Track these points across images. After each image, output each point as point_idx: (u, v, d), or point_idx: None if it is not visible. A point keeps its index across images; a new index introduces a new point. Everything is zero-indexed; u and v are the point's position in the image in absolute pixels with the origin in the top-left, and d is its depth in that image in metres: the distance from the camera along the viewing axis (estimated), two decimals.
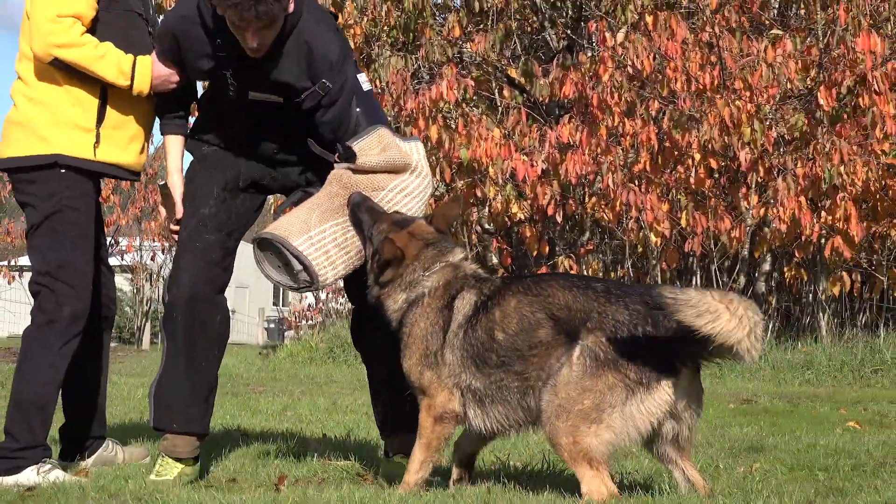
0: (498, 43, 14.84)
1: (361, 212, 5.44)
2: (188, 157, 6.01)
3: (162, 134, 5.99)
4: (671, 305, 4.61)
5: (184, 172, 5.95)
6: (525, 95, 14.73)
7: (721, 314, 4.55)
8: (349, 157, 5.55)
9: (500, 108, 14.69)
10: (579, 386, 4.79)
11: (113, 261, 28.19)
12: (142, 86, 5.75)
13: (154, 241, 26.49)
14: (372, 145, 5.55)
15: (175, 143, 5.93)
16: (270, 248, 5.50)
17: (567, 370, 4.84)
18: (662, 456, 5.02)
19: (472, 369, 5.09)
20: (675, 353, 4.75)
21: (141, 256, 27.03)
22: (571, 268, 14.20)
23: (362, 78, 5.78)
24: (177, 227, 5.83)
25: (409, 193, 5.63)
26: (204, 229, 5.66)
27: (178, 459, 5.63)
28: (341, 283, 6.36)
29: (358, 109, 5.67)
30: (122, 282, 29.61)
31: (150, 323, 26.63)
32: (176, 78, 5.81)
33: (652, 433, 4.84)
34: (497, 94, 14.97)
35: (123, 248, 27.09)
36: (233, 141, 5.82)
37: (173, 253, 6.21)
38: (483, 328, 5.09)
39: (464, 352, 5.12)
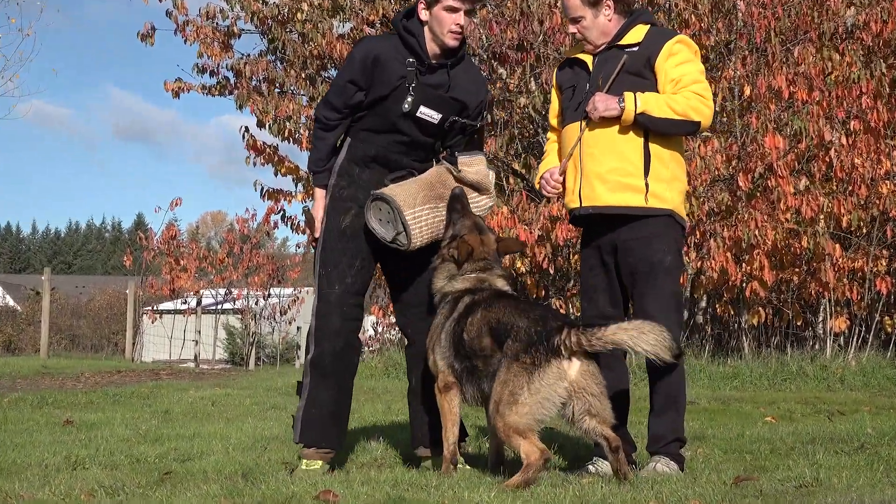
0: (505, 145, 14.78)
1: (457, 201, 5.42)
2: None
3: (315, 185, 5.71)
4: None
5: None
6: (525, 182, 14.62)
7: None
8: (453, 162, 5.55)
9: (507, 192, 14.58)
10: (501, 381, 4.78)
11: (227, 305, 28.47)
12: None
13: (257, 290, 26.49)
14: (472, 163, 5.55)
15: (322, 193, 5.66)
16: (383, 207, 5.41)
17: (498, 372, 4.83)
18: (589, 430, 4.84)
19: (453, 353, 5.11)
20: (558, 342, 4.70)
21: (248, 302, 26.99)
22: (561, 307, 14.09)
23: None
24: (314, 243, 5.68)
25: (478, 207, 5.61)
26: (348, 296, 5.53)
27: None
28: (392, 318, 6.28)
29: (476, 136, 5.67)
30: (234, 320, 29.65)
31: (254, 350, 26.63)
32: None
33: (562, 402, 4.75)
34: (505, 182, 14.84)
35: (235, 296, 27.24)
36: (371, 183, 5.59)
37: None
38: (460, 327, 5.09)
39: (450, 338, 5.13)
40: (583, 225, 5.73)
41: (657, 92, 5.43)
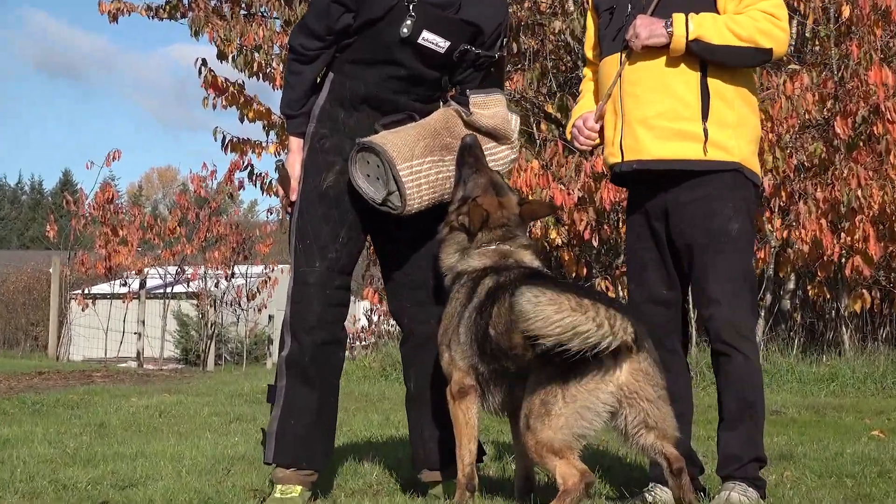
0: (535, 81, 14.72)
1: (469, 153, 5.40)
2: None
3: (290, 133, 5.70)
4: None
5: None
6: (561, 129, 14.51)
7: None
8: (464, 103, 5.57)
9: (538, 142, 14.55)
10: (530, 388, 4.74)
11: (179, 288, 28.42)
12: None
13: (217, 269, 26.52)
14: (489, 104, 5.55)
15: (299, 143, 5.65)
16: (371, 159, 5.38)
17: (530, 374, 4.79)
18: (646, 447, 4.78)
19: (477, 352, 5.09)
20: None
21: (205, 283, 27.06)
22: (608, 289, 14.03)
23: None
24: (290, 208, 5.70)
25: (496, 160, 5.63)
26: (332, 275, 5.56)
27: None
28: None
29: (493, 70, 5.70)
30: (187, 307, 29.61)
31: (214, 345, 26.65)
32: None
33: (609, 412, 4.69)
34: (535, 128, 14.85)
35: (189, 276, 27.29)
36: (360, 130, 5.57)
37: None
38: (484, 320, 5.05)
39: (471, 334, 5.11)
40: (627, 185, 5.75)
41: (716, 12, 5.35)
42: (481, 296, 5.14)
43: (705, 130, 5.31)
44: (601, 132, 5.62)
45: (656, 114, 5.36)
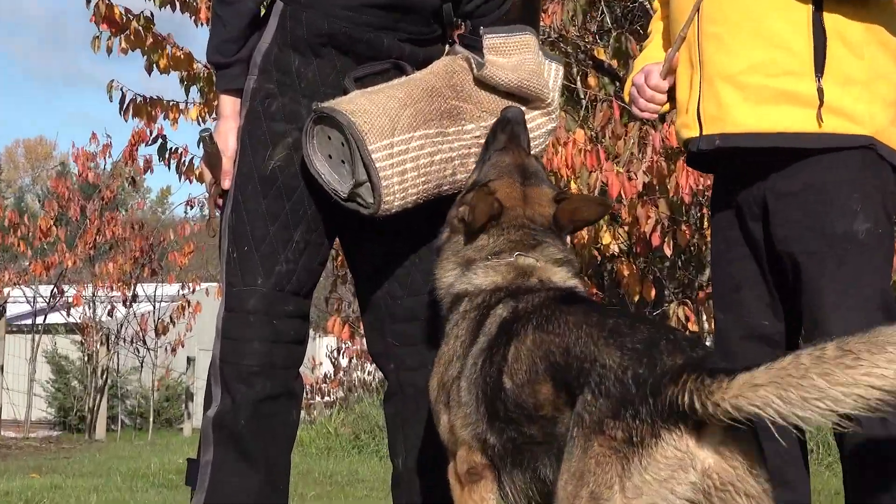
0: (580, 14, 14.42)
1: (502, 130, 5.37)
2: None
3: (221, 90, 5.73)
4: None
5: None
6: (618, 84, 14.42)
7: None
8: (476, 47, 5.53)
9: (584, 102, 14.56)
10: (572, 472, 4.56)
11: (55, 317, 28.43)
12: None
13: (112, 289, 26.93)
14: (511, 49, 5.51)
15: (234, 105, 5.68)
16: (333, 135, 5.33)
17: (566, 453, 4.61)
18: None
19: (485, 416, 5.01)
20: (677, 398, 4.33)
21: (94, 311, 27.29)
22: (688, 319, 13.83)
23: None
24: (220, 199, 5.67)
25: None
26: (280, 298, 5.54)
27: None
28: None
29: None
30: (68, 345, 29.74)
31: (106, 402, 26.67)
32: None
33: None
34: (580, 83, 14.85)
35: (70, 300, 27.64)
36: (323, 86, 5.54)
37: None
38: (496, 366, 4.95)
39: (477, 390, 5.04)
40: (709, 168, 5.88)
41: None
42: (491, 332, 5.06)
43: (820, 90, 5.30)
44: (671, 93, 5.71)
45: (748, 66, 5.38)
